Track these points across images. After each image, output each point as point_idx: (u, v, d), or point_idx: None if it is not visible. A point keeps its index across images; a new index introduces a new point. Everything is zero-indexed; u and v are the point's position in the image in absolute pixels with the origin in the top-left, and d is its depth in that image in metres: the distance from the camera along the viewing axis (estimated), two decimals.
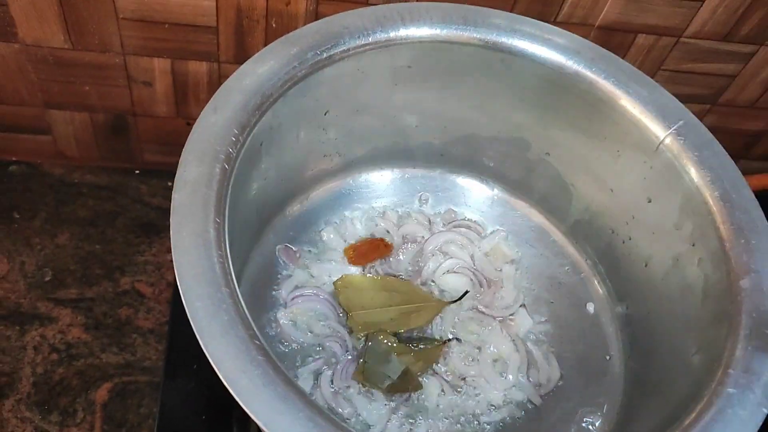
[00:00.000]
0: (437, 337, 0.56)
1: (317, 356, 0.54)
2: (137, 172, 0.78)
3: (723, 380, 0.40)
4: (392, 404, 0.53)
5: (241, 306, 0.38)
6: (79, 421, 0.62)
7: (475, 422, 0.53)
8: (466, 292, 0.58)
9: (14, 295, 0.68)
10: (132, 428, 0.63)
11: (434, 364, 0.55)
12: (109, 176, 0.77)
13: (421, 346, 0.55)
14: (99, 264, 0.71)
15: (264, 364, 0.36)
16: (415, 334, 0.56)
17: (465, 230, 0.63)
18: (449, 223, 0.63)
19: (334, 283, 0.56)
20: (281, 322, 0.55)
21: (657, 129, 0.51)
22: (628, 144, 0.53)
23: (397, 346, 0.54)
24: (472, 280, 0.60)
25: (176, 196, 0.41)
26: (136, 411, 0.64)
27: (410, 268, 0.60)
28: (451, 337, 0.56)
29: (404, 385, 0.53)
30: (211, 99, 0.45)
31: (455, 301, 0.58)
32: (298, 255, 0.59)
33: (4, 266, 0.69)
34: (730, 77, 0.73)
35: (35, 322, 0.67)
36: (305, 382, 0.53)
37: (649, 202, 0.53)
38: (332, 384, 0.53)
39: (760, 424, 0.38)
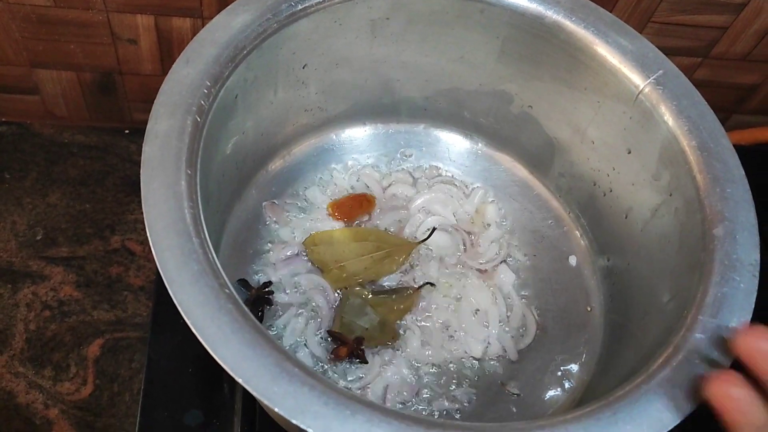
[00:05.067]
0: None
1: (302, 311, 0.55)
2: (126, 131, 0.78)
3: (692, 326, 0.40)
4: (375, 355, 0.53)
5: (212, 256, 0.39)
6: (72, 375, 0.64)
7: (456, 372, 0.54)
8: (434, 228, 0.58)
9: (6, 254, 0.69)
10: (123, 382, 0.64)
11: (411, 313, 0.55)
12: (98, 136, 0.77)
13: (395, 296, 0.55)
14: (89, 223, 0.72)
15: (233, 311, 0.37)
16: (393, 285, 0.56)
17: (448, 187, 0.63)
18: (432, 178, 0.63)
19: (304, 243, 0.57)
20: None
21: (636, 78, 0.50)
22: (608, 94, 0.53)
23: (372, 298, 0.54)
24: (454, 235, 0.60)
25: (147, 149, 0.41)
26: (128, 366, 0.65)
27: (393, 228, 0.60)
28: (423, 282, 0.56)
29: (382, 336, 0.53)
30: (183, 51, 0.45)
31: (424, 240, 0.58)
32: (282, 211, 0.59)
33: None
34: (721, 29, 0.72)
35: (27, 280, 0.68)
36: (291, 337, 0.54)
37: (629, 153, 0.53)
38: (317, 336, 0.54)
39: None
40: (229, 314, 0.37)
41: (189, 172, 0.41)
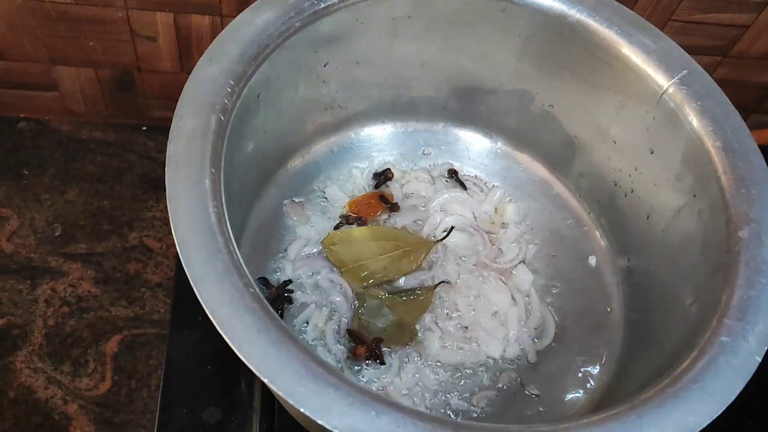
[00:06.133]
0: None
1: (321, 309, 0.55)
2: (144, 128, 0.78)
3: (717, 329, 0.40)
4: (394, 355, 0.53)
5: (236, 254, 0.39)
6: (90, 371, 0.64)
7: (475, 373, 0.54)
8: (452, 228, 0.58)
9: (25, 250, 0.69)
10: (141, 379, 0.64)
11: (430, 314, 0.55)
12: (116, 132, 0.77)
13: (413, 296, 0.55)
14: (108, 219, 0.72)
15: (258, 311, 0.37)
16: (411, 285, 0.56)
17: (467, 186, 0.62)
18: (452, 178, 0.63)
19: (322, 242, 0.57)
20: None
21: (660, 78, 0.50)
22: (631, 94, 0.52)
23: (388, 298, 0.54)
24: (473, 235, 0.60)
25: (171, 147, 0.41)
26: (146, 362, 0.65)
27: (411, 227, 0.60)
28: (438, 281, 0.56)
29: (400, 337, 0.53)
30: (207, 49, 0.45)
31: (442, 239, 0.58)
32: (303, 209, 0.59)
33: (14, 222, 0.71)
34: (742, 27, 0.71)
35: (46, 276, 0.68)
36: (310, 335, 0.54)
37: (652, 153, 0.53)
38: (335, 334, 0.54)
39: (753, 372, 0.38)
40: (254, 313, 0.37)
41: (213, 170, 0.41)
